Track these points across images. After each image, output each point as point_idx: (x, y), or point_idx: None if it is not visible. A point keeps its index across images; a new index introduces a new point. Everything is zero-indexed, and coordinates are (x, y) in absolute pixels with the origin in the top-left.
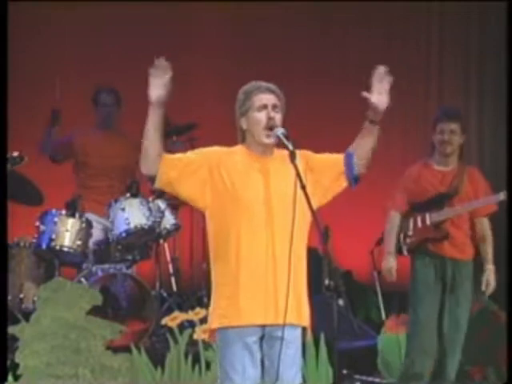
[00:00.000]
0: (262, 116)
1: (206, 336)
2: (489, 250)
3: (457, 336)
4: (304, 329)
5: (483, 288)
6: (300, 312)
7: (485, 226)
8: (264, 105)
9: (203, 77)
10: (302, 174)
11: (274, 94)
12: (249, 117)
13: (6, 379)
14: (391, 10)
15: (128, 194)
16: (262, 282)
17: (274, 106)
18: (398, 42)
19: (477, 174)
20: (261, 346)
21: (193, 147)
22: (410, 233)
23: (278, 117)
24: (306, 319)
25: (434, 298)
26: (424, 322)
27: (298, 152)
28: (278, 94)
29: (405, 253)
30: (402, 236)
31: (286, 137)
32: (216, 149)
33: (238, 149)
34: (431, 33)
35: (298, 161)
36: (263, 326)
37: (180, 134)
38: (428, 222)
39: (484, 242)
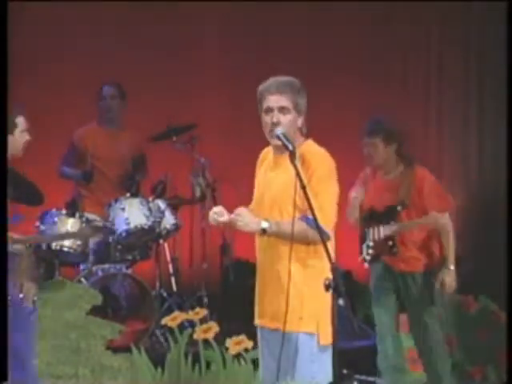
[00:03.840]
0: (267, 119)
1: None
2: (447, 248)
3: (432, 344)
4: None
5: (437, 286)
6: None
7: (439, 221)
8: (270, 108)
9: (203, 77)
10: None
11: (283, 95)
12: (261, 118)
13: (6, 379)
14: (391, 11)
15: (128, 194)
16: (267, 285)
17: (282, 108)
18: (397, 42)
19: (423, 180)
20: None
21: (193, 147)
22: (371, 244)
23: (284, 119)
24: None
25: (389, 308)
26: (381, 328)
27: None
28: (289, 93)
29: (366, 264)
30: (365, 246)
31: (286, 137)
32: (259, 161)
33: (270, 148)
34: (431, 33)
35: (298, 161)
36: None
37: (180, 134)
38: (381, 235)
39: (442, 239)
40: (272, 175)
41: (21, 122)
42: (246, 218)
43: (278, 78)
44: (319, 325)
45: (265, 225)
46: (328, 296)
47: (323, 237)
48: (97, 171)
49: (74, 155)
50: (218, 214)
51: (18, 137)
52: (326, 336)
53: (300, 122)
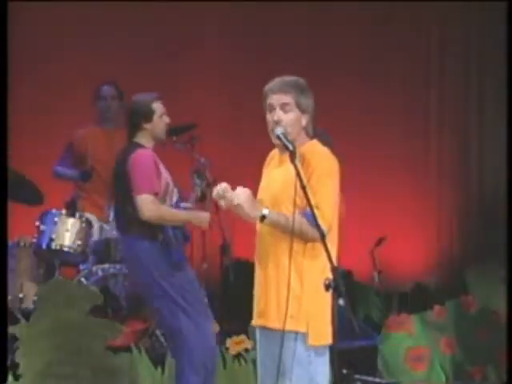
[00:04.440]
0: (269, 118)
1: None
2: None
3: None
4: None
5: None
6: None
7: None
8: (271, 105)
9: (203, 77)
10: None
11: (287, 94)
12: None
13: (6, 379)
14: (391, 11)
15: None
16: (259, 282)
17: (283, 105)
18: (397, 42)
19: None
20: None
21: (193, 147)
22: None
23: (285, 117)
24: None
25: None
26: None
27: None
28: (292, 92)
29: None
30: None
31: (286, 137)
32: (267, 160)
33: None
34: (431, 33)
35: (298, 161)
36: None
37: (180, 134)
38: None
39: None
40: (275, 173)
41: (158, 107)
42: (248, 201)
43: (283, 78)
44: (309, 324)
45: (265, 211)
46: (321, 296)
47: (323, 236)
48: (95, 172)
49: (72, 156)
50: (224, 189)
51: (158, 122)
52: (317, 336)
53: (305, 121)
